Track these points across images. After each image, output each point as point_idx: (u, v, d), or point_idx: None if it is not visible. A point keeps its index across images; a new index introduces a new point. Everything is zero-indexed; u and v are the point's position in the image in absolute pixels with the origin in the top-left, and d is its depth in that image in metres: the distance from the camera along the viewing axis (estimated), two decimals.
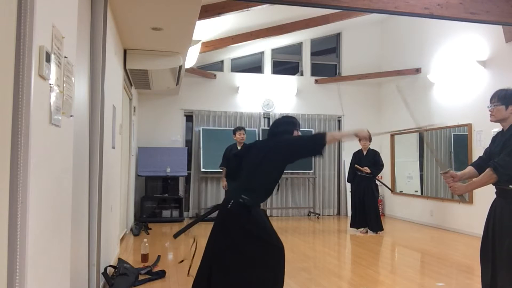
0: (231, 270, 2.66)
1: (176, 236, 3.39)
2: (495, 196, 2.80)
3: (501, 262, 2.61)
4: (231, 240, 2.69)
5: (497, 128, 3.01)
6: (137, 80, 6.19)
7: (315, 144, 2.72)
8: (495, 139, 2.88)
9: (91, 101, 3.14)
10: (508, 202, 2.63)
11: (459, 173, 2.91)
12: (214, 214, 2.94)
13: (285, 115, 3.22)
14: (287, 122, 2.99)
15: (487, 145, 2.97)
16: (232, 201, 2.73)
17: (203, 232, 6.62)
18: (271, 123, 8.79)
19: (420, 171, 8.23)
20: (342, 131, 2.86)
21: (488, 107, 2.85)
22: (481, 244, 2.81)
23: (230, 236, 2.70)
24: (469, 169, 2.93)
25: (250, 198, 2.71)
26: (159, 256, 4.77)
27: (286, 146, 2.80)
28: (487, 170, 2.65)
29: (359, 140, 7.08)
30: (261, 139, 6.08)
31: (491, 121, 2.85)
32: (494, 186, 2.77)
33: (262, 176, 2.78)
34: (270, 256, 2.69)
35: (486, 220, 2.79)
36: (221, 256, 2.70)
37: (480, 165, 2.88)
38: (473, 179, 2.78)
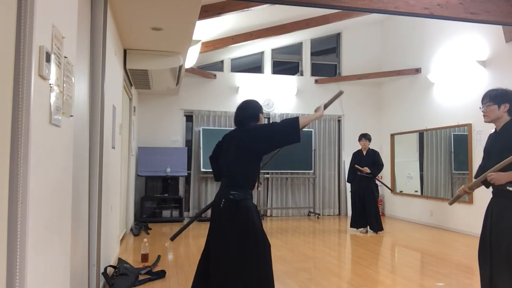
0: (230, 267, 2.69)
1: (173, 238, 3.43)
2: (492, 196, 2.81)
3: (499, 262, 2.61)
4: (228, 237, 2.71)
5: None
6: (137, 80, 6.19)
7: (291, 129, 2.70)
8: (490, 139, 2.89)
9: (91, 101, 3.13)
10: (506, 202, 2.64)
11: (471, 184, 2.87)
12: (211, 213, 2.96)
13: (247, 99, 3.14)
14: (251, 107, 2.97)
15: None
16: (223, 200, 2.75)
17: (202, 232, 6.64)
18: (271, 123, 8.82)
19: (420, 171, 8.23)
20: (310, 116, 2.90)
21: (480, 108, 2.86)
22: (479, 244, 2.81)
23: (225, 234, 2.73)
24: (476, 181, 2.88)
25: (240, 192, 2.75)
26: (159, 256, 4.77)
27: (262, 134, 2.78)
28: None
29: (359, 140, 7.10)
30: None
31: (485, 121, 2.87)
32: (491, 186, 2.78)
33: (244, 168, 2.80)
34: (260, 250, 2.73)
35: (484, 220, 2.80)
36: (220, 254, 2.73)
37: (483, 167, 2.88)
38: None
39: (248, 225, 2.72)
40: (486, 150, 2.87)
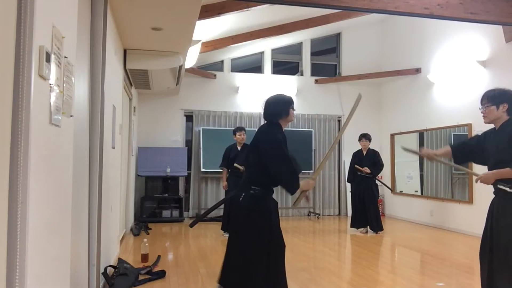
0: (240, 260, 2.70)
1: (192, 225, 3.50)
2: (493, 195, 2.81)
3: (499, 261, 2.62)
4: (243, 231, 2.74)
5: None
6: (137, 80, 6.19)
7: (292, 183, 2.79)
8: (485, 136, 2.90)
9: (91, 101, 3.13)
10: (506, 201, 2.65)
11: (439, 151, 3.14)
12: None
13: (276, 94, 3.01)
14: (281, 102, 2.89)
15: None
16: (243, 194, 2.76)
17: (202, 232, 6.64)
18: None
19: (420, 171, 8.23)
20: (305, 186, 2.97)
21: (479, 109, 2.88)
22: (480, 243, 2.82)
23: (241, 228, 2.75)
24: (447, 149, 3.08)
25: (261, 188, 2.78)
26: (159, 256, 4.77)
27: (271, 161, 2.74)
28: None
29: (359, 141, 7.10)
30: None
31: (485, 122, 2.89)
32: (492, 186, 2.78)
33: (261, 169, 2.81)
34: (272, 249, 2.74)
35: (486, 219, 2.81)
36: (233, 246, 2.75)
37: (463, 151, 3.02)
38: (501, 170, 2.67)
39: (265, 221, 2.73)
40: (486, 150, 2.88)
